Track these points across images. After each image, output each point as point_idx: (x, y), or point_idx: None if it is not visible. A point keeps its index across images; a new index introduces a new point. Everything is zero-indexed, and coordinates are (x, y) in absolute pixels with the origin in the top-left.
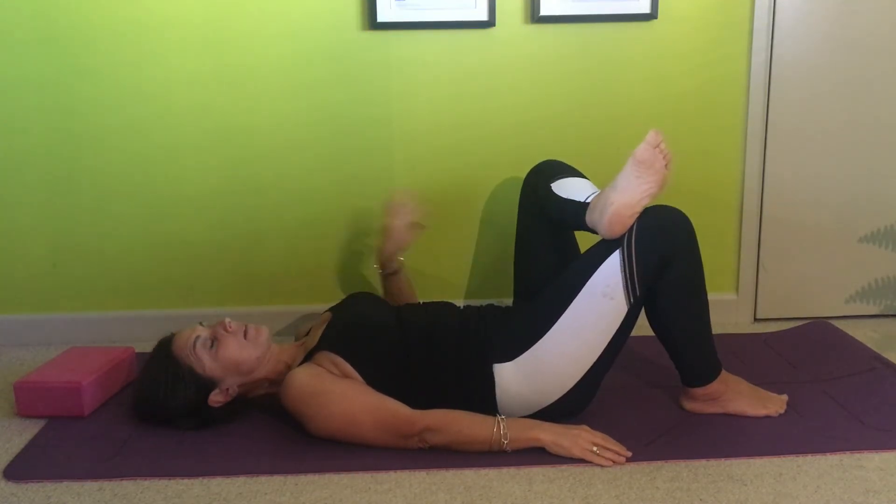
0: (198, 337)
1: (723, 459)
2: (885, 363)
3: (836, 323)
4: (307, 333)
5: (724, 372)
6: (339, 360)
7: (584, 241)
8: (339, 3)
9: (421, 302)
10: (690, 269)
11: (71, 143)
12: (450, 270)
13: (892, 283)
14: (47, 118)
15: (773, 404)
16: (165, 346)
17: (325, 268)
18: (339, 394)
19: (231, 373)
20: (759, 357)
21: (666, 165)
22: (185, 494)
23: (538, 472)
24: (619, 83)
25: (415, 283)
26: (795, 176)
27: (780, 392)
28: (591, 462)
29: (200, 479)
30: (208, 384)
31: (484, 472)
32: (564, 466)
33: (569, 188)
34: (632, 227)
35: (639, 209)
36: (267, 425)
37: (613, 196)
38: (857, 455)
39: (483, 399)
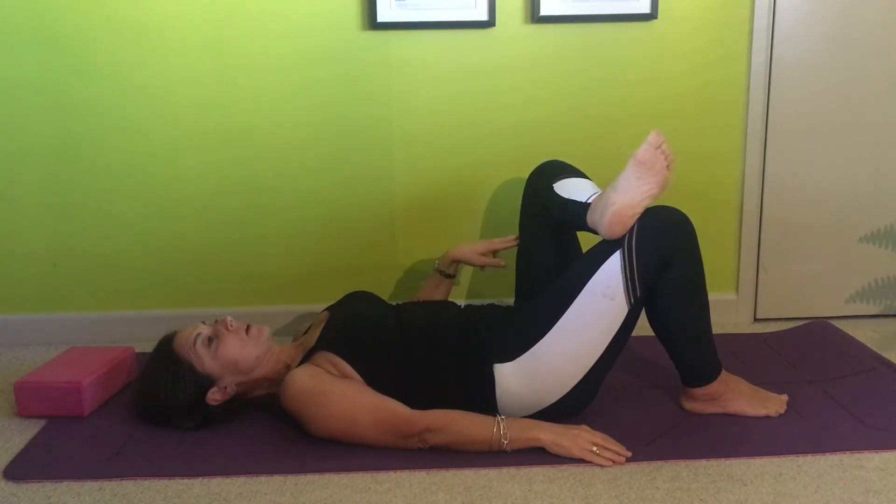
0: (199, 334)
1: (723, 459)
2: (886, 363)
3: (837, 323)
4: (305, 332)
5: (724, 372)
6: (338, 359)
7: (586, 241)
8: (339, 3)
9: (421, 301)
10: (691, 270)
11: (71, 143)
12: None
13: (892, 283)
14: (47, 118)
15: (773, 404)
16: (167, 344)
17: (324, 268)
18: (339, 394)
19: (230, 371)
20: (759, 357)
21: (667, 166)
22: (185, 494)
23: (538, 472)
24: (619, 83)
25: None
26: (795, 176)
27: (780, 392)
28: (591, 462)
29: (200, 479)
30: (207, 382)
31: (484, 472)
32: (564, 466)
33: (570, 188)
34: (632, 227)
35: (639, 210)
36: (267, 425)
37: (614, 197)
38: (857, 455)
39: (483, 399)
